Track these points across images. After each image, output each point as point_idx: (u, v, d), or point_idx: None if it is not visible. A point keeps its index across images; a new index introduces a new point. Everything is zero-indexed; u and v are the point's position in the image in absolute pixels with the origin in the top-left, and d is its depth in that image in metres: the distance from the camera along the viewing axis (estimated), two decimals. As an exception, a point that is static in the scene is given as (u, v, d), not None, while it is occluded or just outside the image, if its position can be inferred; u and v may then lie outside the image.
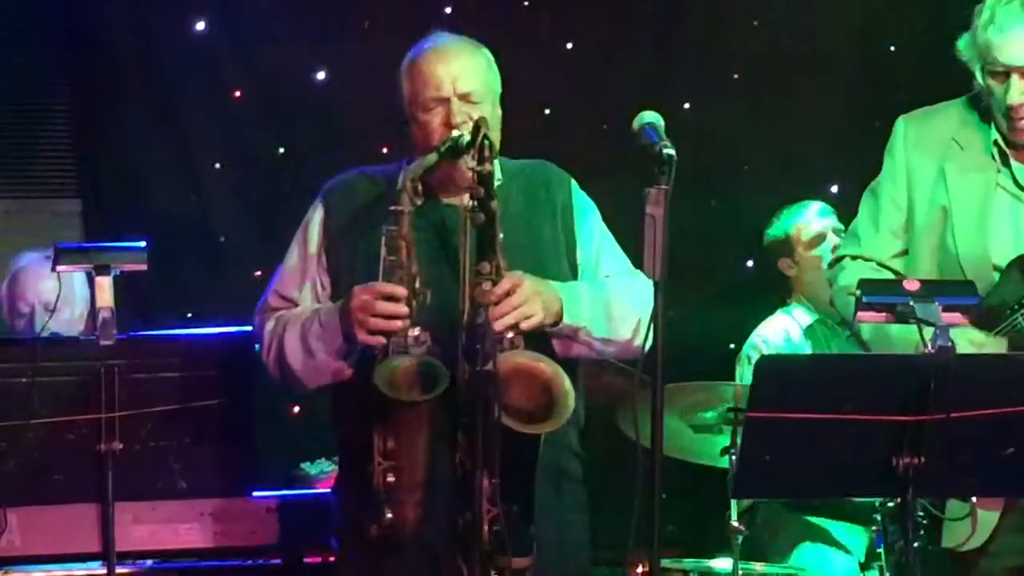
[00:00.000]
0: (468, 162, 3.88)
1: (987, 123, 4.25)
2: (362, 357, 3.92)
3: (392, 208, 3.88)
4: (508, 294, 3.85)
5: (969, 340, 4.00)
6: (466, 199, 3.90)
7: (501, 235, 3.86)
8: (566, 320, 3.97)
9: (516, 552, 3.77)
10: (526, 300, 3.87)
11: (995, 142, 4.24)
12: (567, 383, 3.82)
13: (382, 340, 3.84)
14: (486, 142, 3.84)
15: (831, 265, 4.50)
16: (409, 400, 3.78)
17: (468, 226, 3.85)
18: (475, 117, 3.94)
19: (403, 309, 3.84)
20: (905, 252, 4.31)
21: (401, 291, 3.85)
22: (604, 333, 4.02)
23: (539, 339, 3.95)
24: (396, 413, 3.79)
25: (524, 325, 3.87)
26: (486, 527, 3.74)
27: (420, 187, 3.92)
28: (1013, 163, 4.24)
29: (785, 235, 5.91)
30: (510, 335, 3.85)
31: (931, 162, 4.28)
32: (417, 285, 3.87)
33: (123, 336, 4.03)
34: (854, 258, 4.35)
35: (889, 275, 4.27)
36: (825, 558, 5.55)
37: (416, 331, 3.86)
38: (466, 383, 3.78)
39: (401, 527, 3.82)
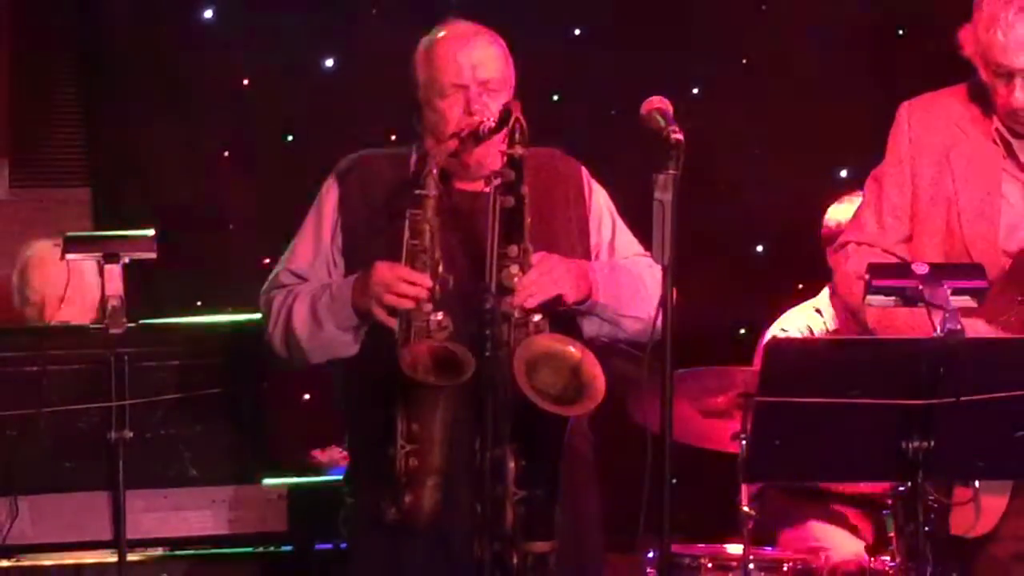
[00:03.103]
0: (498, 144, 3.88)
1: (989, 112, 4.25)
2: (379, 340, 3.92)
3: (417, 192, 3.88)
4: (538, 276, 3.85)
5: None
6: (483, 183, 3.92)
7: (529, 219, 3.86)
8: (595, 297, 3.97)
9: (539, 536, 3.78)
10: (555, 280, 3.88)
11: (996, 129, 4.24)
12: (597, 367, 3.81)
13: (393, 321, 3.83)
14: (517, 125, 3.83)
15: (835, 250, 4.50)
16: (433, 385, 3.78)
17: (496, 208, 3.84)
18: (492, 106, 3.94)
19: (422, 293, 3.83)
20: (910, 238, 4.30)
21: (425, 279, 3.84)
22: (633, 311, 4.02)
23: (565, 318, 3.95)
24: (421, 397, 3.80)
25: (551, 304, 3.87)
26: (510, 510, 3.74)
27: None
28: (1017, 150, 4.24)
29: (837, 224, 5.84)
30: (536, 318, 3.85)
31: (935, 148, 4.28)
32: (440, 270, 3.87)
33: (132, 324, 4.03)
34: (859, 244, 4.34)
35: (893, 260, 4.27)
36: (835, 541, 5.54)
37: (439, 316, 3.86)
38: (481, 368, 3.78)
39: (420, 511, 3.83)
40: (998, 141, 4.23)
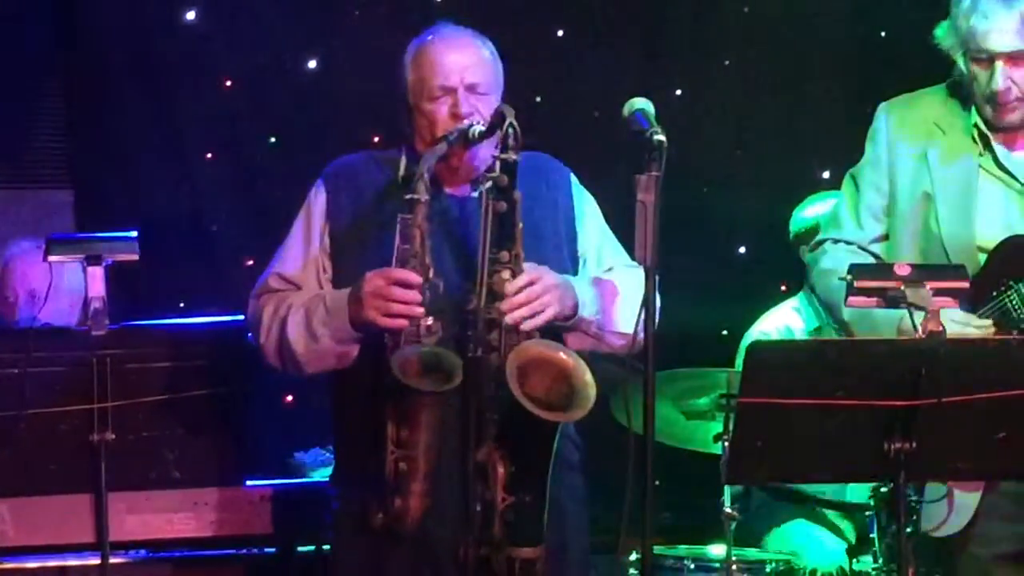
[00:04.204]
0: (486, 148, 3.88)
1: (968, 108, 4.27)
2: (369, 346, 3.91)
3: (408, 196, 3.86)
4: (528, 286, 3.85)
5: (951, 319, 3.99)
6: (468, 188, 3.93)
7: (521, 224, 3.86)
8: (581, 313, 3.97)
9: (527, 542, 3.78)
10: (544, 293, 3.87)
11: (975, 125, 4.26)
12: (588, 373, 3.81)
13: (404, 323, 3.83)
14: (511, 130, 3.82)
15: (812, 249, 4.52)
16: (424, 390, 3.78)
17: (488, 213, 3.84)
18: (481, 109, 3.94)
19: (417, 296, 3.84)
20: (886, 236, 4.33)
21: (415, 278, 3.84)
22: (617, 327, 4.02)
23: (551, 332, 3.94)
24: (412, 402, 3.79)
25: (539, 320, 3.86)
26: (499, 516, 3.75)
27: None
28: (995, 146, 4.26)
29: (815, 223, 5.86)
30: (527, 324, 3.85)
31: (913, 147, 4.31)
32: (430, 274, 3.87)
33: (115, 326, 4.03)
34: (835, 242, 4.36)
35: (870, 259, 4.28)
36: (818, 542, 5.55)
37: (429, 320, 3.85)
38: (465, 369, 3.79)
39: (407, 516, 3.83)
40: (977, 137, 4.26)
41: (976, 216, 4.22)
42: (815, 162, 6.44)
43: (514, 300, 3.83)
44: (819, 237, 4.47)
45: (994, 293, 4.14)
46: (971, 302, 4.10)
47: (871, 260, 4.27)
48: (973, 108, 4.26)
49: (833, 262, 4.29)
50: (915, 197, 4.28)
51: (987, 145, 4.26)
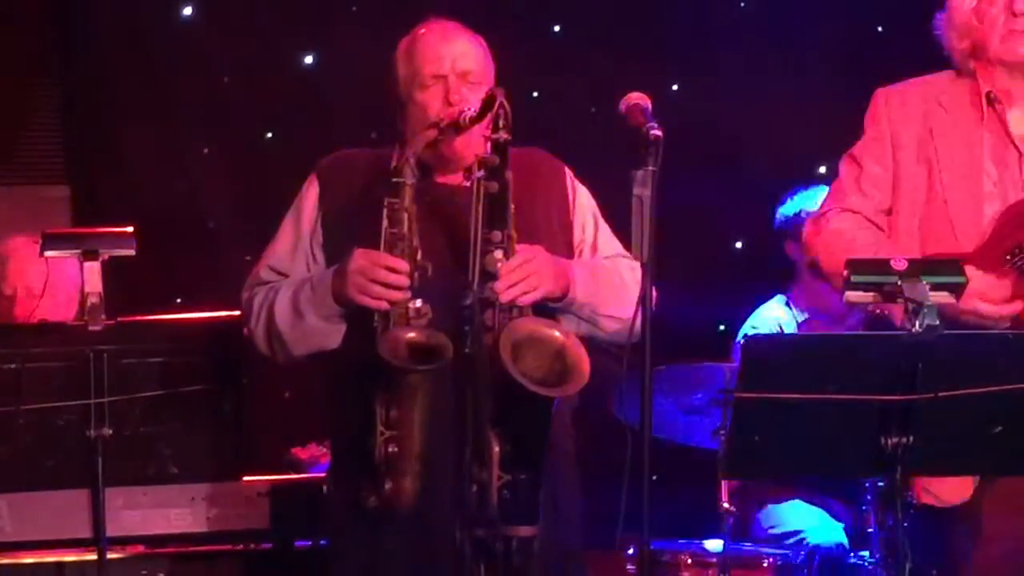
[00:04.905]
0: (478, 135, 3.89)
1: (972, 87, 4.26)
2: (359, 330, 3.92)
3: (394, 180, 3.88)
4: (521, 265, 3.86)
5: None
6: (463, 176, 3.93)
7: (513, 206, 3.87)
8: (574, 294, 3.98)
9: (524, 520, 3.78)
10: (537, 271, 3.88)
11: (988, 94, 4.25)
12: (581, 349, 3.81)
13: (384, 304, 3.84)
14: (502, 110, 3.83)
15: (814, 220, 4.47)
16: (413, 370, 3.79)
17: (481, 193, 3.84)
18: (471, 98, 3.94)
19: (404, 280, 3.85)
20: (889, 211, 4.31)
21: (403, 265, 3.85)
22: (611, 310, 4.03)
23: (544, 314, 3.95)
24: (401, 383, 3.80)
25: (532, 296, 3.88)
26: (495, 495, 3.75)
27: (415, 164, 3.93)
28: (1009, 113, 4.24)
29: (796, 217, 5.87)
30: (521, 301, 3.86)
31: (916, 123, 4.30)
32: (418, 257, 3.88)
33: (112, 322, 4.03)
34: (841, 211, 4.34)
35: (875, 230, 4.27)
36: (817, 519, 5.57)
37: (418, 303, 3.86)
38: (459, 362, 3.79)
39: (400, 498, 3.83)
40: (985, 107, 4.23)
41: (983, 188, 4.22)
42: (811, 157, 6.44)
43: (508, 278, 3.84)
44: (820, 209, 4.43)
45: (1008, 256, 4.13)
46: (991, 261, 4.10)
47: (876, 229, 4.26)
48: (981, 78, 4.25)
49: (841, 224, 4.27)
50: (920, 170, 4.27)
51: (997, 112, 4.24)
